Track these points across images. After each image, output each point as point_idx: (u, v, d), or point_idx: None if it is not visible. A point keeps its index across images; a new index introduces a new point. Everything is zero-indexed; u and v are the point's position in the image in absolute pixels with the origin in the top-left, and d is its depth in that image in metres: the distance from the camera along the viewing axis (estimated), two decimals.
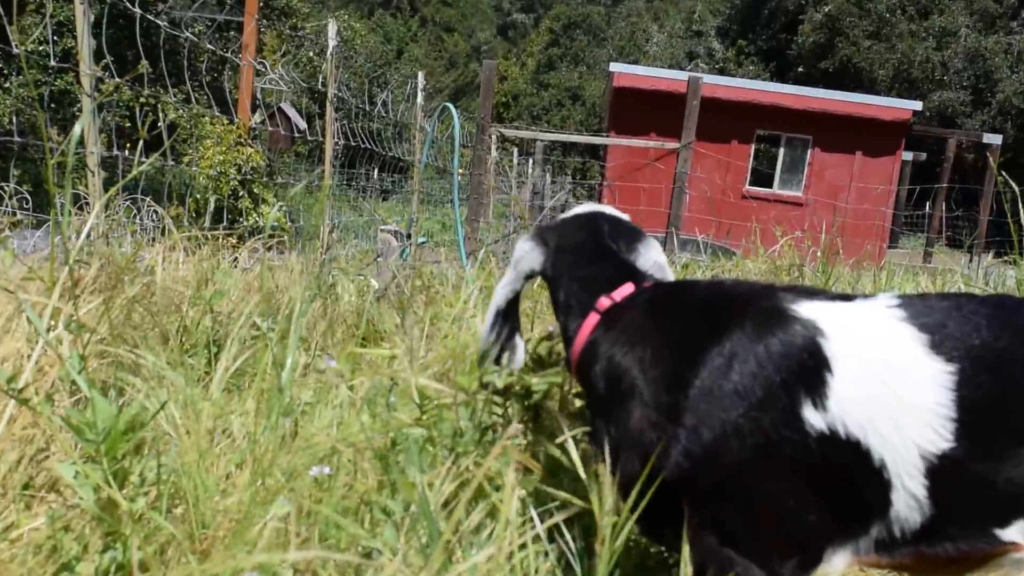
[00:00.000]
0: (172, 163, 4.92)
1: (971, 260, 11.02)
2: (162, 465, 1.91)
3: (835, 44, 37.49)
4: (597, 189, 21.23)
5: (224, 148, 8.09)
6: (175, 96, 5.86)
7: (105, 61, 4.53)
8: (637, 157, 15.97)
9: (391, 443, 2.00)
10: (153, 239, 4.53)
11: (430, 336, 3.31)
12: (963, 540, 1.50)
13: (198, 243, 4.20)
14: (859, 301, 1.64)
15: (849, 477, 1.50)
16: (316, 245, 6.58)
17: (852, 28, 37.10)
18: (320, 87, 7.64)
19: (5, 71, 18.14)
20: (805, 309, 1.59)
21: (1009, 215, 3.88)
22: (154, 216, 5.28)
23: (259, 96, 8.55)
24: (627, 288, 1.84)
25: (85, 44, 4.20)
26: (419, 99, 9.87)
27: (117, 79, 4.24)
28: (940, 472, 1.46)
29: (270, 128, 10.02)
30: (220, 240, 4.79)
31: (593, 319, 1.82)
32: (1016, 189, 4.04)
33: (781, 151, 18.90)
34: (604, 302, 1.82)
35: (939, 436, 1.45)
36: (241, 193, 8.26)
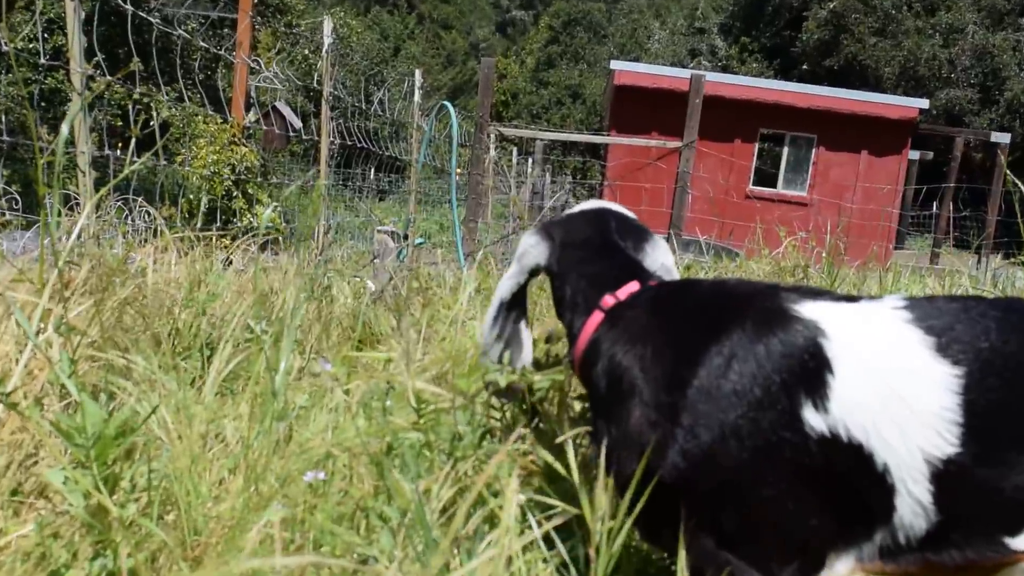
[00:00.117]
0: (165, 163, 4.92)
1: (979, 262, 11.03)
2: (153, 470, 1.91)
3: (840, 41, 37.52)
4: (598, 189, 21.23)
5: (218, 147, 8.08)
6: (168, 95, 5.85)
7: (96, 59, 4.53)
8: (638, 156, 15.98)
9: (387, 448, 2.00)
10: (145, 240, 4.52)
11: (427, 339, 3.31)
12: (971, 548, 1.49)
13: (191, 244, 4.20)
14: (864, 302, 1.63)
15: (851, 481, 1.49)
16: (311, 246, 6.58)
17: (857, 25, 37.12)
18: (316, 85, 7.66)
19: None
20: (807, 309, 1.58)
21: (1019, 215, 3.88)
22: (146, 217, 5.27)
23: (253, 95, 8.54)
24: (632, 286, 1.84)
25: (76, 41, 4.21)
26: (416, 97, 9.88)
27: (108, 77, 4.24)
28: (946, 478, 1.45)
29: (265, 127, 10.00)
30: (213, 241, 4.78)
31: (597, 317, 1.82)
32: None
33: (785, 150, 18.91)
34: (608, 300, 1.82)
35: (945, 441, 1.45)
36: (235, 193, 8.25)
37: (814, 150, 18.69)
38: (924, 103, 18.80)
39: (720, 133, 16.95)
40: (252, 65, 8.14)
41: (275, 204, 7.52)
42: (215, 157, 7.99)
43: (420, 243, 8.75)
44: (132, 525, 1.79)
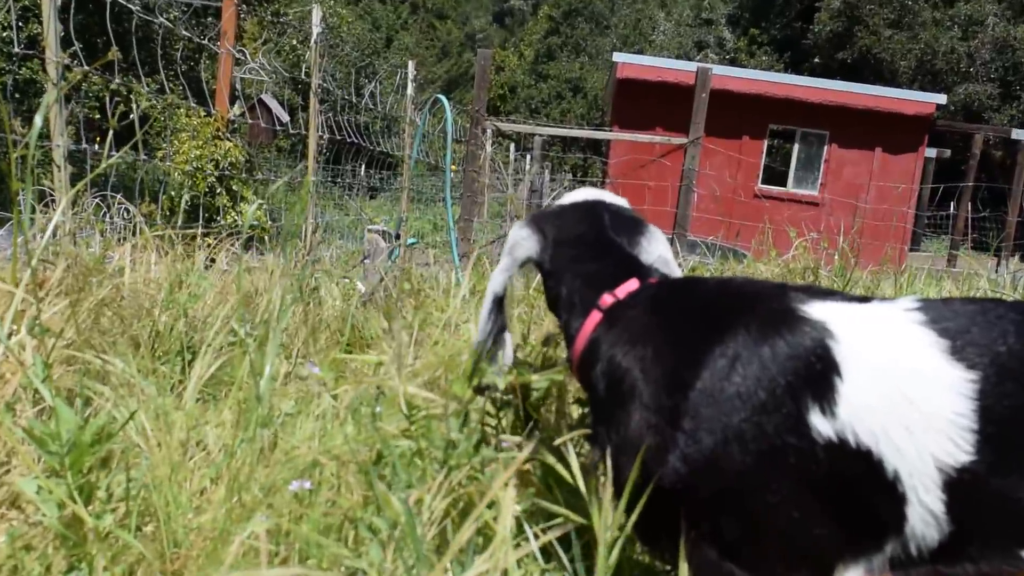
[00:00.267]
0: (145, 158, 4.92)
1: (999, 264, 11.05)
2: (131, 480, 1.90)
3: (854, 33, 37.55)
4: (599, 187, 21.22)
5: (201, 142, 8.09)
6: (148, 86, 5.86)
7: (73, 48, 4.53)
8: (642, 153, 15.99)
9: (377, 456, 2.00)
10: (123, 238, 4.52)
11: (419, 342, 3.31)
12: (985, 560, 1.49)
13: (171, 243, 4.20)
14: (876, 303, 1.63)
15: (860, 489, 1.49)
16: (298, 246, 6.58)
17: (872, 16, 37.16)
18: (304, 77, 7.66)
19: None
20: (816, 310, 1.58)
21: None
22: (125, 214, 5.27)
23: (238, 87, 8.53)
24: (631, 284, 1.84)
25: (52, 30, 4.20)
26: (409, 90, 9.88)
27: (86, 67, 4.24)
28: (959, 487, 1.45)
29: (250, 121, 10.02)
30: (195, 240, 4.78)
31: (595, 317, 1.82)
32: None
33: (796, 147, 18.92)
34: (607, 299, 1.83)
35: (958, 448, 1.44)
36: (219, 190, 8.26)
37: (826, 147, 18.69)
38: (942, 98, 18.78)
39: (727, 129, 16.96)
40: (237, 56, 8.15)
41: (260, 201, 7.51)
42: (198, 152, 8.00)
43: (412, 243, 8.75)
44: (108, 537, 1.79)
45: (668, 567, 1.96)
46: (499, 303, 2.03)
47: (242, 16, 8.95)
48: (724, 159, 16.25)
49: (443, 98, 8.57)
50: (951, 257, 17.69)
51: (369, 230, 6.54)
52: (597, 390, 1.77)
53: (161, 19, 5.58)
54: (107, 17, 4.83)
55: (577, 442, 2.24)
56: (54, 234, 3.32)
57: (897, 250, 14.79)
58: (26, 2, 16.86)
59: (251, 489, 1.95)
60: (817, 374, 1.51)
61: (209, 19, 22.14)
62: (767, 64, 42.26)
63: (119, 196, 5.19)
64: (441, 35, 69.89)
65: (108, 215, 5.25)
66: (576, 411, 2.26)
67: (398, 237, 8.02)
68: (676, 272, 2.05)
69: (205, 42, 7.42)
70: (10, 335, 2.25)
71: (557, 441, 1.97)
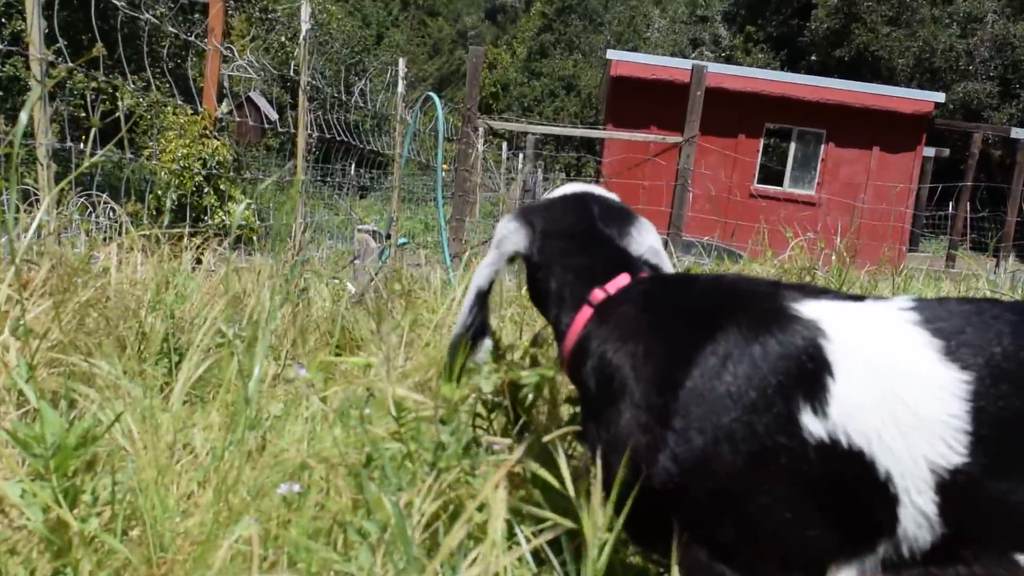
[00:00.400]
0: (131, 157, 4.91)
1: (997, 265, 11.07)
2: (117, 483, 1.91)
3: (851, 30, 37.57)
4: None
5: (188, 141, 8.07)
6: (134, 84, 5.85)
7: (57, 45, 4.52)
8: (636, 152, 16.00)
9: (367, 459, 2.00)
10: (109, 238, 4.52)
11: (410, 344, 3.31)
12: (978, 564, 1.50)
13: (158, 243, 4.20)
14: (869, 302, 1.64)
15: (852, 490, 1.49)
16: (287, 246, 6.58)
17: (870, 13, 37.19)
18: (293, 75, 7.65)
19: None
20: (808, 309, 1.59)
21: None
22: (111, 214, 5.27)
23: (226, 84, 8.53)
24: (622, 279, 1.85)
25: (35, 26, 4.20)
26: (400, 88, 9.89)
27: (70, 64, 4.23)
28: (952, 489, 1.45)
29: (238, 119, 9.99)
30: (182, 240, 4.78)
31: (586, 313, 1.83)
32: None
33: (792, 146, 18.94)
34: (598, 294, 1.83)
35: (951, 450, 1.45)
36: (206, 189, 8.24)
37: (823, 146, 18.71)
38: (940, 97, 18.81)
39: (723, 128, 16.98)
40: (225, 53, 8.14)
41: (248, 201, 7.51)
42: (185, 151, 7.98)
43: (403, 243, 8.76)
44: (94, 541, 1.79)
45: (661, 569, 1.97)
46: (482, 298, 2.04)
47: (230, 12, 8.95)
48: (719, 158, 16.27)
49: (434, 96, 8.57)
50: (950, 257, 17.74)
51: (359, 230, 6.55)
52: (587, 387, 1.77)
53: (147, 15, 5.58)
54: (92, 13, 4.83)
55: (569, 444, 2.25)
56: (38, 233, 3.32)
57: (895, 250, 14.81)
58: None
59: (239, 492, 1.95)
60: (809, 373, 1.51)
61: (196, 15, 22.11)
62: (763, 62, 42.28)
63: (105, 195, 5.18)
64: (432, 32, 69.83)
65: (93, 214, 5.25)
66: (567, 411, 2.26)
67: (388, 237, 8.02)
68: (666, 263, 2.06)
69: (192, 39, 7.41)
70: None
71: (546, 438, 1.97)
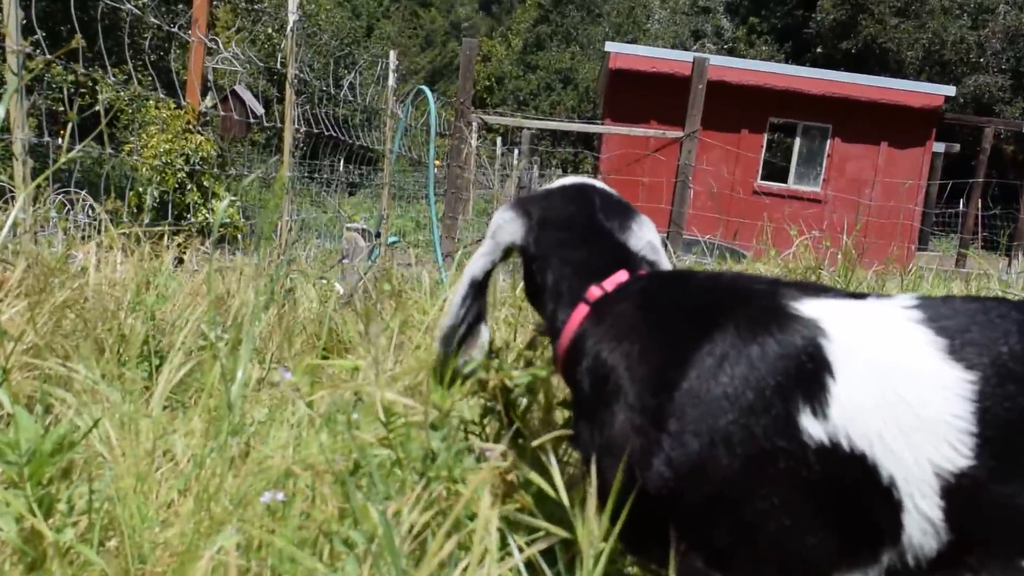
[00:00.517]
0: (111, 152, 4.90)
1: (1010, 264, 11.07)
2: (94, 491, 1.90)
3: (858, 22, 37.65)
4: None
5: (170, 136, 8.06)
6: (115, 77, 5.84)
7: (35, 37, 4.52)
8: (636, 148, 16.00)
9: (354, 466, 1.99)
10: (87, 236, 4.51)
11: (399, 346, 3.30)
12: (985, 571, 1.49)
13: (138, 242, 4.19)
14: (872, 301, 1.64)
15: (854, 495, 1.48)
16: (273, 245, 6.58)
17: (877, 4, 37.26)
18: (279, 67, 7.64)
19: None
20: (808, 307, 1.59)
21: None
22: (89, 211, 5.26)
23: (210, 77, 8.52)
24: (620, 276, 1.85)
25: (12, 17, 4.19)
26: (391, 82, 9.89)
27: (48, 56, 4.22)
28: (958, 493, 1.44)
29: (223, 113, 10.01)
30: (164, 239, 4.77)
31: (582, 310, 1.82)
32: None
33: (797, 141, 18.98)
34: (595, 292, 1.83)
35: (957, 453, 1.44)
36: (189, 186, 8.23)
37: (829, 141, 18.74)
38: (950, 90, 18.86)
39: (725, 123, 17.01)
40: (209, 45, 8.14)
41: (233, 198, 7.51)
42: (167, 146, 7.98)
43: (394, 242, 8.76)
44: (69, 552, 1.78)
45: None
46: (477, 288, 2.03)
47: (214, 3, 8.94)
48: (722, 154, 16.28)
49: (426, 90, 8.57)
50: (960, 257, 17.73)
51: (348, 228, 6.56)
52: (581, 388, 1.77)
53: (129, 5, 5.57)
54: (71, 3, 4.82)
55: (564, 451, 2.25)
56: (13, 232, 3.32)
57: (903, 249, 14.81)
58: None
59: (221, 501, 1.95)
60: (808, 374, 1.51)
61: (180, 6, 22.10)
62: (767, 54, 42.37)
63: (83, 192, 5.18)
64: (424, 23, 69.92)
65: (71, 212, 5.24)
66: (562, 417, 2.25)
67: (378, 236, 8.02)
68: (664, 261, 2.06)
69: (175, 30, 7.40)
70: None
71: (536, 442, 1.97)
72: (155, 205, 7.46)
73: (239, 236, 8.03)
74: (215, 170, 8.39)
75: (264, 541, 1.84)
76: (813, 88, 18.03)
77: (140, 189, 7.88)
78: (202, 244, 5.32)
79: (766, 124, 18.80)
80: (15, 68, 4.19)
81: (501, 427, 2.19)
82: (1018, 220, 15.53)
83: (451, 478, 1.90)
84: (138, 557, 1.86)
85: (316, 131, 8.52)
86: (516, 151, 22.36)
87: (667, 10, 54.05)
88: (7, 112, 4.02)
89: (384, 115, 10.01)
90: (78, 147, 2.86)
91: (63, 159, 2.82)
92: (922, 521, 1.47)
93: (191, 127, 8.20)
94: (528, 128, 20.55)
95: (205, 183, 8.36)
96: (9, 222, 2.92)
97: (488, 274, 2.05)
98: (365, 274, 5.57)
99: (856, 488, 1.48)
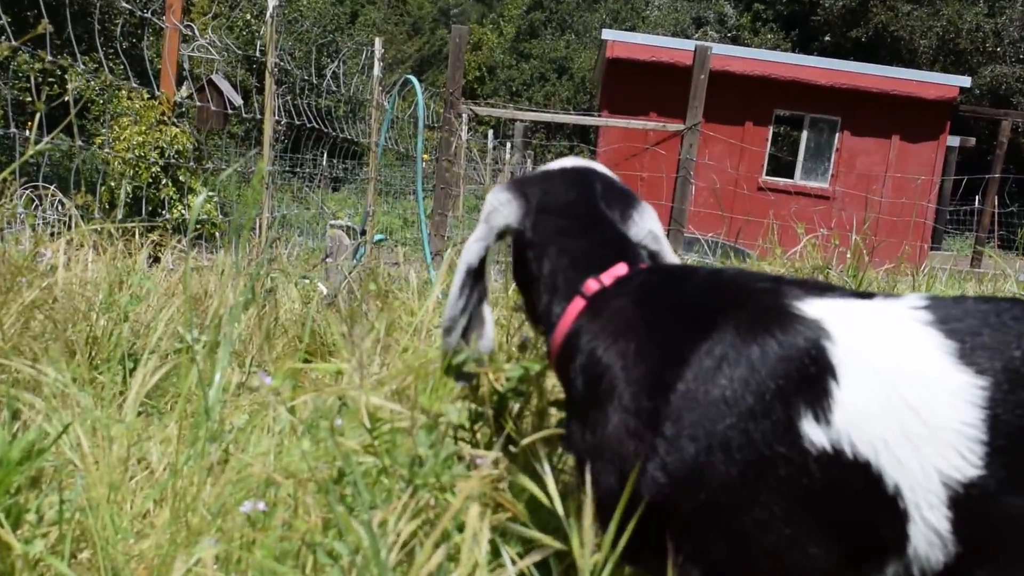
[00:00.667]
0: (81, 144, 4.89)
1: None
2: (65, 501, 1.90)
3: (868, 9, 37.67)
4: None
5: (144, 127, 8.06)
6: (84, 65, 5.83)
7: (0, 22, 4.51)
8: (634, 141, 16.03)
9: (338, 474, 2.00)
10: (57, 233, 4.51)
11: (386, 349, 3.31)
12: None
13: (111, 239, 4.19)
14: (878, 301, 1.63)
15: (857, 505, 1.48)
16: (252, 242, 6.57)
17: None
18: (259, 55, 7.64)
19: None
20: (811, 307, 1.59)
21: None
22: (59, 207, 5.26)
23: (186, 66, 8.53)
24: (619, 269, 1.85)
25: None
26: (376, 71, 9.87)
27: (14, 43, 4.22)
28: (967, 504, 1.44)
29: (199, 104, 10.00)
30: (138, 236, 4.77)
31: (578, 304, 1.82)
32: None
33: (804, 135, 19.00)
34: (592, 285, 1.83)
35: (966, 461, 1.43)
36: (164, 180, 8.24)
37: (837, 135, 18.76)
38: (966, 81, 18.87)
39: (729, 115, 17.03)
40: (184, 31, 8.13)
41: (210, 193, 7.50)
42: (141, 138, 7.98)
43: (380, 240, 8.76)
44: (39, 564, 1.79)
45: None
46: (474, 276, 2.02)
47: None
48: (725, 148, 16.30)
49: (414, 79, 8.57)
50: (976, 256, 17.76)
51: (332, 225, 6.56)
52: (575, 386, 1.77)
53: None
54: None
55: (559, 458, 2.25)
56: None
57: (916, 248, 14.83)
58: None
59: (199, 511, 1.95)
60: (810, 377, 1.51)
61: None
62: (772, 43, 42.38)
63: (52, 187, 5.18)
64: (412, 10, 69.80)
65: (40, 208, 5.24)
66: (557, 416, 2.26)
67: (364, 233, 8.02)
68: (667, 250, 2.06)
69: (149, 16, 7.39)
70: None
71: (525, 441, 1.98)
72: (128, 201, 7.45)
73: (217, 233, 8.03)
74: (191, 164, 8.39)
75: (244, 553, 1.84)
76: (821, 79, 18.03)
77: (112, 184, 7.87)
78: (178, 242, 5.32)
79: (771, 117, 18.80)
80: None
81: (492, 433, 2.20)
82: None
83: (439, 486, 1.90)
84: (112, 570, 1.86)
85: (298, 123, 8.52)
86: (508, 144, 22.31)
87: None
88: None
89: (369, 106, 9.99)
90: (46, 139, 2.86)
91: (30, 152, 2.82)
92: (929, 532, 1.46)
93: (166, 118, 8.19)
94: (521, 120, 20.54)
95: (181, 177, 8.36)
96: None
97: (483, 260, 2.04)
98: (350, 274, 5.58)
99: (860, 497, 1.48)
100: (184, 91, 8.64)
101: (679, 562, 1.56)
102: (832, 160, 18.83)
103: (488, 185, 16.70)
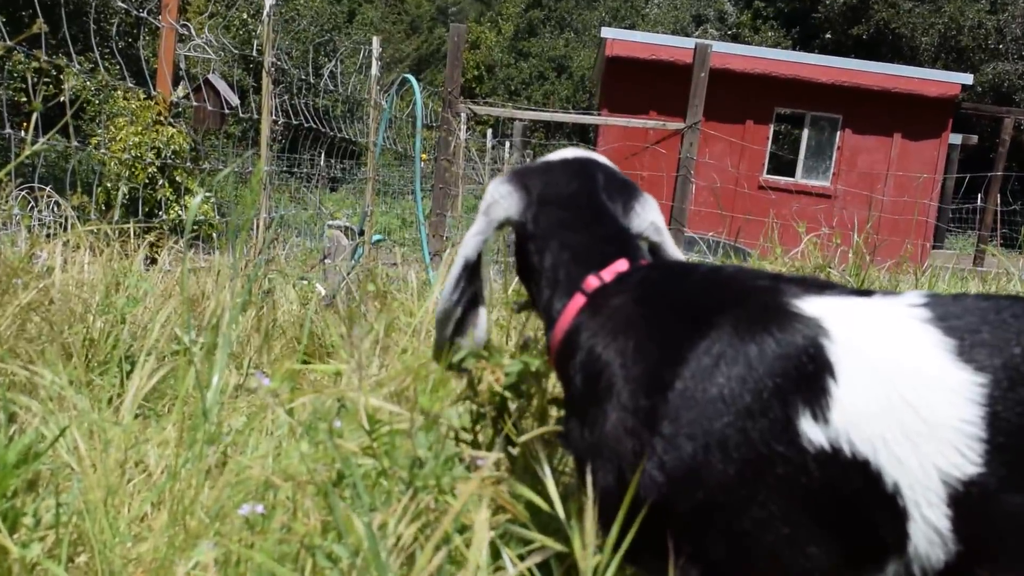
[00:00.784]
0: (77, 145, 4.89)
1: None
2: (62, 504, 1.90)
3: (870, 6, 37.66)
4: None
5: (140, 128, 8.06)
6: (80, 65, 5.83)
7: None
8: (634, 140, 16.03)
9: (337, 476, 2.00)
10: (53, 234, 4.51)
11: (385, 350, 3.31)
12: None
13: (107, 240, 4.19)
14: (877, 298, 1.64)
15: (856, 504, 1.48)
16: (250, 243, 6.57)
17: None
18: (256, 55, 7.64)
19: None
20: (810, 305, 1.59)
21: None
22: (55, 208, 5.26)
23: (182, 66, 8.53)
24: (620, 265, 1.85)
25: None
26: (374, 70, 9.87)
27: (9, 43, 4.22)
28: (967, 502, 1.44)
29: (195, 104, 9.99)
30: (134, 237, 4.77)
31: (579, 301, 1.82)
32: None
33: (805, 133, 19.00)
34: (592, 281, 1.83)
35: (965, 459, 1.43)
36: (160, 181, 8.23)
37: (839, 133, 18.77)
38: (968, 78, 18.88)
39: (729, 113, 17.03)
40: (181, 31, 8.13)
41: (207, 194, 7.50)
42: (137, 139, 7.97)
43: (378, 240, 8.75)
44: (36, 569, 1.79)
45: None
46: (472, 270, 2.02)
47: None
48: (725, 146, 16.31)
49: (412, 79, 8.57)
50: (978, 255, 17.75)
51: (329, 226, 6.56)
52: (573, 383, 1.77)
53: None
54: None
55: (560, 460, 2.25)
56: None
57: (918, 247, 14.84)
58: None
59: (197, 514, 1.95)
60: (809, 376, 1.51)
61: None
62: (773, 40, 42.37)
63: (48, 188, 5.18)
64: (410, 8, 69.80)
65: (35, 209, 5.24)
66: (557, 414, 2.26)
67: (362, 234, 8.02)
68: (669, 242, 2.06)
69: (144, 15, 7.39)
70: None
71: (523, 438, 1.97)
72: (124, 202, 7.44)
73: (214, 234, 8.03)
74: (188, 164, 8.38)
75: (243, 556, 1.84)
76: (822, 76, 18.04)
77: (108, 185, 7.87)
78: (175, 243, 5.32)
79: (772, 115, 18.81)
80: None
81: (493, 434, 2.19)
82: None
83: (440, 488, 1.90)
84: (109, 574, 1.86)
85: (295, 123, 8.52)
86: (507, 144, 22.29)
87: None
88: None
89: (367, 106, 9.99)
90: (42, 140, 2.86)
91: (26, 152, 2.82)
92: (928, 531, 1.46)
93: (162, 119, 8.19)
94: (520, 119, 20.51)
95: (177, 178, 8.36)
96: None
97: (481, 254, 2.04)
98: (348, 274, 5.57)
99: (859, 496, 1.48)
100: (180, 91, 8.64)
101: (678, 562, 1.55)
102: (833, 158, 18.84)
103: (486, 185, 16.71)
